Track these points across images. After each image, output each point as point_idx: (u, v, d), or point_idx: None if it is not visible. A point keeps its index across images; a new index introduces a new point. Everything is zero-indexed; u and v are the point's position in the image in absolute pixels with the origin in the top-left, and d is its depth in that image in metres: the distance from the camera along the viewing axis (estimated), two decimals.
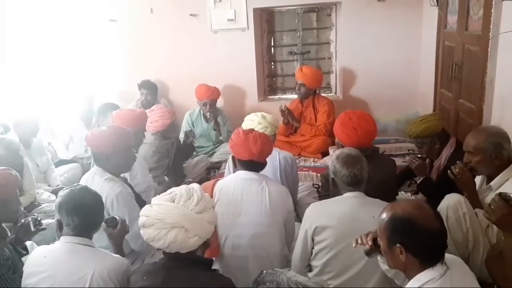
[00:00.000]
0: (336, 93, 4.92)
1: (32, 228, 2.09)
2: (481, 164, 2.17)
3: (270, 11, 4.83)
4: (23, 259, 2.01)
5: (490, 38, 2.70)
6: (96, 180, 2.31)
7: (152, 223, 1.55)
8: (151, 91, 4.51)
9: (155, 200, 1.63)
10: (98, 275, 1.65)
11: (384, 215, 1.41)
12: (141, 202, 2.69)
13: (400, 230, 1.35)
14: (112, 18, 4.66)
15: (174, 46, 4.68)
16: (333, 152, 3.41)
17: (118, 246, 2.10)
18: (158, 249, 1.67)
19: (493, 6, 2.66)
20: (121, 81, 4.81)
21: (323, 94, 4.63)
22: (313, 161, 4.00)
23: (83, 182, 2.33)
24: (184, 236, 1.54)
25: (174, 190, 1.64)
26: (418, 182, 2.68)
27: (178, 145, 3.61)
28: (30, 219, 2.12)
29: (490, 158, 2.13)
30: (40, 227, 2.13)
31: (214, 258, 2.08)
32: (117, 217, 2.09)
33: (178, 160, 3.54)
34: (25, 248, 2.12)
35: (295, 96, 4.40)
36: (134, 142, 2.97)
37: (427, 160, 2.82)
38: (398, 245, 1.34)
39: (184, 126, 4.32)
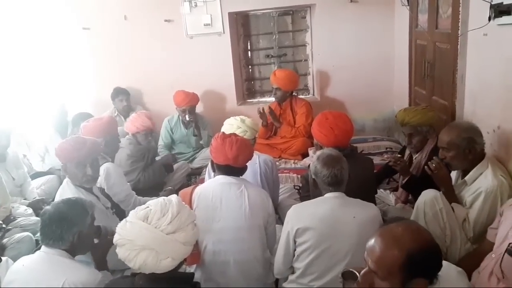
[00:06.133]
0: (313, 95, 4.96)
1: None
2: (455, 159, 2.21)
3: (245, 15, 4.84)
4: None
5: (459, 35, 2.76)
6: (67, 192, 2.28)
7: (123, 243, 1.49)
8: (127, 97, 4.48)
9: (130, 216, 1.54)
10: (68, 287, 1.64)
11: (392, 255, 1.21)
12: (120, 212, 2.66)
13: (422, 263, 1.20)
14: (85, 26, 4.60)
15: (150, 53, 4.64)
16: (313, 153, 3.45)
17: (100, 258, 2.06)
18: None
19: (460, 5, 2.72)
20: (95, 90, 4.75)
21: (301, 96, 4.66)
22: (294, 162, 4.02)
23: (58, 194, 2.30)
24: (155, 259, 1.45)
25: (150, 204, 1.55)
26: (403, 181, 2.70)
27: (155, 151, 3.60)
28: None
29: (464, 153, 2.18)
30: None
31: (195, 266, 2.07)
32: (101, 226, 2.05)
33: (157, 171, 3.51)
34: None
35: (274, 99, 4.41)
36: (109, 150, 2.95)
37: (407, 154, 2.87)
38: (419, 279, 1.21)
39: (163, 133, 4.29)
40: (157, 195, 3.21)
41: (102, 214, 2.31)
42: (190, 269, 2.18)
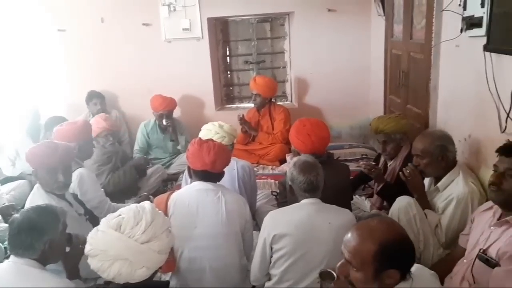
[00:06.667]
0: (291, 101, 5.00)
1: None
2: (429, 166, 2.27)
3: (224, 20, 4.85)
4: None
5: (432, 46, 2.84)
6: (37, 198, 2.21)
7: (95, 254, 1.44)
8: (101, 100, 4.40)
9: (101, 224, 1.49)
10: None
11: (366, 246, 1.26)
12: (94, 219, 2.60)
13: (394, 255, 1.25)
14: (61, 28, 4.50)
15: (126, 56, 4.58)
16: (290, 159, 3.47)
17: (72, 266, 2.00)
18: None
19: (434, 16, 2.81)
20: (70, 93, 4.64)
21: (279, 103, 4.69)
22: (272, 168, 4.04)
23: (28, 200, 2.22)
24: (129, 269, 1.42)
25: (122, 212, 1.49)
26: (378, 188, 2.75)
27: (125, 154, 3.56)
28: None
29: (437, 160, 2.24)
30: None
31: (170, 273, 2.04)
32: (72, 234, 1.99)
33: (128, 173, 3.46)
34: None
35: (252, 105, 4.43)
36: (83, 155, 2.88)
37: (382, 161, 2.93)
38: (391, 270, 1.24)
39: (139, 137, 4.23)
40: (132, 200, 3.17)
41: (74, 221, 2.25)
42: (165, 277, 2.15)
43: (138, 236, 1.44)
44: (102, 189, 2.90)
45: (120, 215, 1.49)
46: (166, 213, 2.01)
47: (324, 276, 1.49)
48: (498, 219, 1.73)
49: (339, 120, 4.68)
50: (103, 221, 1.50)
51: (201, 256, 2.03)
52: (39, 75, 4.58)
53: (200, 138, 2.26)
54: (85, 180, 2.68)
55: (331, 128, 4.51)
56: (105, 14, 4.49)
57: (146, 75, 4.59)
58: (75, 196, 2.53)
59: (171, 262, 1.99)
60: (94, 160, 3.28)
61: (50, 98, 4.56)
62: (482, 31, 2.15)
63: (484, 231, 1.77)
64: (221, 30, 4.90)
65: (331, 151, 3.09)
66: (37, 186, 2.35)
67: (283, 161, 4.05)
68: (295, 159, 2.14)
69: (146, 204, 1.56)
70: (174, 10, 4.43)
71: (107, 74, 4.62)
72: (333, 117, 4.67)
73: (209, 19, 4.52)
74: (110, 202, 2.85)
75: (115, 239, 1.43)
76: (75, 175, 2.61)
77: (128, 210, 1.50)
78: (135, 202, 2.78)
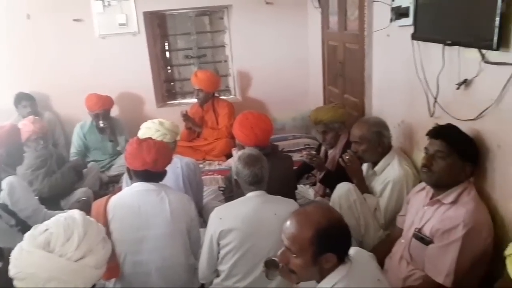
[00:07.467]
0: (235, 95, 4.98)
1: None
2: (366, 152, 2.36)
3: (161, 14, 4.71)
4: None
5: (365, 36, 2.95)
6: None
7: (22, 277, 1.28)
8: (32, 102, 4.11)
9: (26, 242, 1.32)
10: None
11: (303, 231, 1.29)
12: (27, 229, 2.41)
13: (330, 239, 1.28)
14: None
15: (57, 54, 4.32)
16: (236, 153, 3.46)
17: (4, 282, 1.84)
18: None
19: (365, 7, 2.91)
20: None
21: (222, 97, 4.66)
22: (218, 164, 4.01)
23: None
24: None
25: (49, 226, 1.32)
26: (320, 176, 2.81)
27: (61, 157, 3.38)
28: None
29: (374, 146, 2.34)
30: None
31: (113, 279, 1.95)
32: (3, 248, 1.83)
33: (66, 176, 3.29)
34: None
35: (195, 100, 4.35)
36: (12, 161, 2.69)
37: (323, 150, 3.00)
38: (328, 253, 1.28)
39: (75, 140, 4.01)
40: (69, 204, 3.02)
41: (5, 234, 2.09)
42: (109, 283, 2.05)
43: (71, 253, 1.29)
44: (36, 197, 2.73)
45: (47, 229, 1.33)
46: (105, 218, 1.92)
47: (269, 264, 1.50)
48: (431, 199, 1.83)
49: (282, 112, 4.74)
50: (27, 238, 1.33)
51: (146, 258, 1.97)
52: None
53: (138, 137, 2.18)
54: (16, 189, 2.49)
55: (275, 120, 4.58)
56: (31, 10, 4.21)
57: (80, 73, 4.36)
58: (3, 206, 2.34)
59: (114, 268, 1.90)
60: (27, 165, 3.07)
61: None
62: (409, 20, 2.26)
63: (419, 211, 1.87)
64: (158, 25, 4.75)
65: (275, 143, 3.12)
66: None
67: (229, 155, 4.03)
68: (239, 153, 2.14)
69: (76, 214, 1.40)
70: (109, 5, 4.26)
71: (37, 74, 4.33)
72: (277, 109, 4.72)
73: (145, 13, 4.38)
74: (45, 210, 2.68)
75: (44, 259, 1.27)
76: (4, 183, 2.43)
77: (56, 223, 1.34)
78: (74, 207, 2.64)
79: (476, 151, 1.76)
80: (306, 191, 3.12)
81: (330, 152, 2.92)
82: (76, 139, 4.00)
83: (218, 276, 1.97)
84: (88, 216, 1.45)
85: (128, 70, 4.43)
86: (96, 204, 2.01)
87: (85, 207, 2.63)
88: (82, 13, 4.26)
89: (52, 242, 1.30)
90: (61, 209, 2.93)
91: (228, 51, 4.86)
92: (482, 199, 1.74)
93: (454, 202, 1.71)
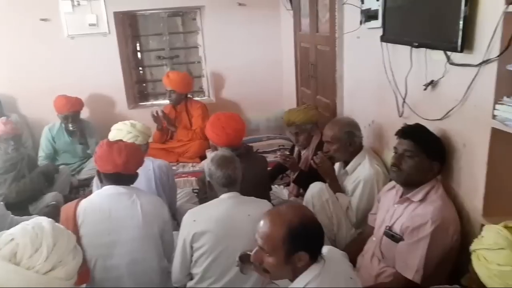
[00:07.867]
0: (209, 97, 4.96)
1: None
2: (338, 152, 2.39)
3: (132, 15, 4.64)
4: None
5: (336, 38, 2.99)
6: None
7: None
8: None
9: None
10: None
11: (275, 230, 1.30)
12: None
13: (302, 237, 1.29)
14: None
15: (23, 55, 4.20)
16: (210, 154, 3.45)
17: None
18: None
19: (336, 9, 2.95)
20: None
21: (196, 98, 4.63)
22: (192, 166, 3.98)
23: None
24: None
25: (15, 235, 1.24)
26: (294, 176, 2.83)
27: (32, 160, 3.27)
28: None
29: (346, 145, 2.37)
30: None
31: (84, 285, 1.90)
32: None
33: (35, 180, 3.19)
34: None
35: (168, 102, 4.31)
36: None
37: (296, 151, 3.03)
38: (301, 252, 1.29)
39: (43, 143, 3.88)
40: (37, 210, 2.92)
41: None
42: None
43: (40, 266, 1.21)
44: (2, 203, 2.62)
45: (13, 239, 1.24)
46: (74, 222, 1.87)
47: (244, 259, 1.50)
48: (400, 197, 1.88)
49: (256, 113, 4.75)
50: None
51: (118, 263, 1.93)
52: None
53: (108, 140, 2.13)
54: None
55: (249, 121, 4.59)
56: None
57: (48, 74, 4.25)
58: None
59: (84, 273, 1.85)
60: None
61: None
62: (378, 23, 2.31)
63: (389, 209, 1.91)
64: (129, 25, 4.68)
65: (250, 144, 3.13)
66: None
67: (203, 157, 4.00)
68: (212, 154, 2.12)
69: (45, 222, 1.32)
70: (78, 4, 4.18)
71: (2, 75, 4.20)
72: (251, 110, 4.74)
73: (116, 14, 4.31)
74: (12, 216, 2.59)
75: (10, 272, 1.19)
76: None
77: (23, 233, 1.26)
78: (43, 214, 2.56)
79: (443, 150, 1.82)
80: (280, 191, 3.14)
81: (303, 152, 2.95)
82: (45, 142, 3.88)
83: (191, 279, 1.95)
84: (57, 224, 1.38)
85: (98, 71, 4.35)
86: (65, 208, 1.96)
87: (55, 211, 2.56)
88: (49, 12, 4.16)
89: (19, 254, 1.22)
90: (29, 214, 2.84)
91: (201, 52, 4.84)
92: (449, 196, 1.79)
93: (422, 200, 1.75)
